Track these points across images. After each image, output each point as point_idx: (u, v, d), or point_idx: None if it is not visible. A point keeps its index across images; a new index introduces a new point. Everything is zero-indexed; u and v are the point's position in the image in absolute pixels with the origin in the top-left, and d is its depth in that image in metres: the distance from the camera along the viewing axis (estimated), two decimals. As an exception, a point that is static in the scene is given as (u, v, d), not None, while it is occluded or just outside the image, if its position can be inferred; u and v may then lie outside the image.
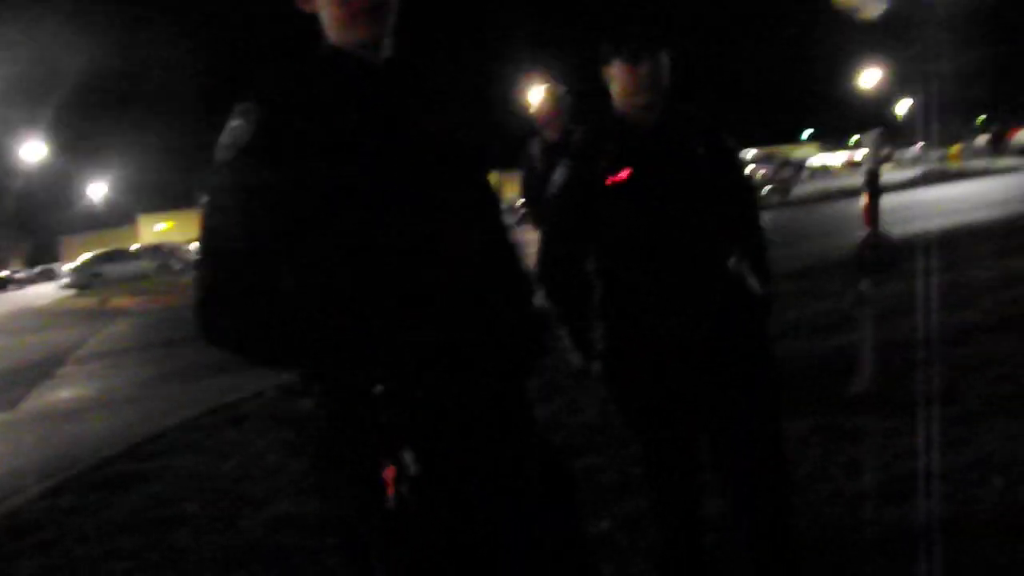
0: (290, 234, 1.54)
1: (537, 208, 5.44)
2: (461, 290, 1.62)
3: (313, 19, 1.70)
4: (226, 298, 1.52)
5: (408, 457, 1.51)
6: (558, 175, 2.66)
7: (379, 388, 1.51)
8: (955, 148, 36.78)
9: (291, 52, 1.71)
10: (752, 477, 2.55)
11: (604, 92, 2.61)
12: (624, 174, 2.50)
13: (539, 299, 1.92)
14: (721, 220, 2.58)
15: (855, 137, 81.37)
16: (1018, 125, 42.63)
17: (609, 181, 2.51)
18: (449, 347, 1.58)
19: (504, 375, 1.70)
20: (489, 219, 1.79)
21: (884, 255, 3.00)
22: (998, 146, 41.38)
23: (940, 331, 5.71)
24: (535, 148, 5.67)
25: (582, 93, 5.84)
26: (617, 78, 2.54)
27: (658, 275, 2.52)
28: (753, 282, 2.61)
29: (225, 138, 1.56)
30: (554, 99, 5.41)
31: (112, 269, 38.53)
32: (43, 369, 11.75)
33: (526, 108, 6.28)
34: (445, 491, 1.57)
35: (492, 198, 1.83)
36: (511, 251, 1.83)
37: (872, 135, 4.34)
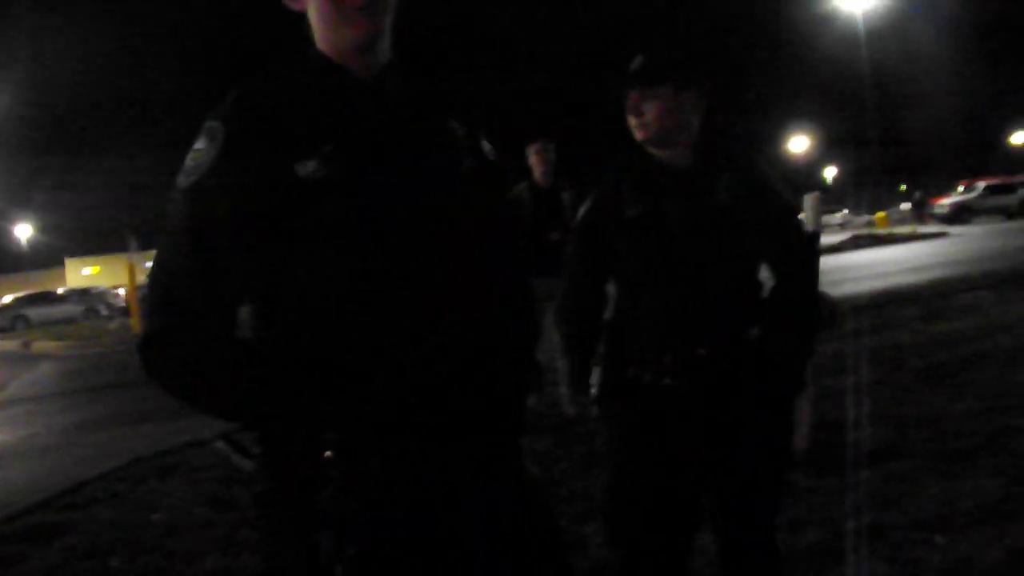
0: (250, 272, 1.39)
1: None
2: (442, 345, 1.43)
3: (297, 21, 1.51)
4: (175, 338, 1.37)
5: (348, 534, 1.35)
6: (582, 210, 2.51)
7: (328, 453, 1.36)
8: (882, 214, 37.96)
9: (270, 60, 1.53)
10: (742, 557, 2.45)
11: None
12: (641, 210, 2.35)
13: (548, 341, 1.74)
14: (747, 275, 2.43)
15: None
16: (939, 193, 44.26)
17: (625, 216, 2.35)
18: (417, 411, 1.40)
19: (479, 449, 1.49)
20: (495, 260, 1.57)
21: (824, 316, 3.00)
22: (921, 212, 42.81)
23: (875, 391, 5.83)
24: (525, 193, 6.35)
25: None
26: (627, 109, 2.38)
27: (665, 324, 2.35)
28: (781, 352, 2.39)
29: (188, 161, 1.40)
30: (544, 150, 6.39)
31: (37, 312, 37.54)
32: (-41, 414, 11.28)
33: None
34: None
35: (501, 234, 1.61)
36: (518, 299, 1.64)
37: (810, 198, 4.41)
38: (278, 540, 1.44)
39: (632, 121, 2.37)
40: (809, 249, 2.45)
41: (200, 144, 1.40)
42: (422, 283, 1.43)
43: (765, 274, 2.49)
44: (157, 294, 1.39)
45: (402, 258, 1.42)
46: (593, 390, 2.48)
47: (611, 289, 2.52)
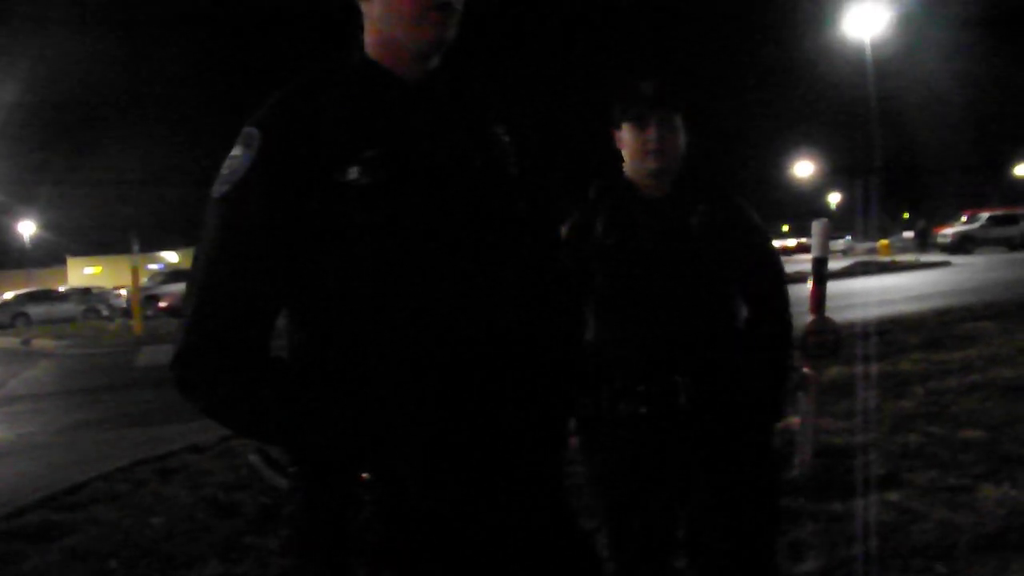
0: (287, 283, 1.35)
1: None
2: (485, 366, 1.38)
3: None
4: (211, 356, 1.32)
5: (383, 559, 1.31)
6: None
7: (366, 476, 1.32)
8: (885, 241, 38.01)
9: (316, 61, 1.48)
10: None
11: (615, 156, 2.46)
12: (615, 240, 2.37)
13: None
14: (721, 303, 2.41)
15: (786, 226, 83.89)
16: (943, 222, 44.29)
17: (600, 245, 2.37)
18: (459, 432, 1.36)
19: (522, 474, 1.44)
20: (536, 274, 1.53)
21: (828, 341, 3.02)
22: (924, 241, 42.82)
23: (877, 418, 5.83)
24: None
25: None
26: (626, 141, 2.40)
27: (639, 352, 2.35)
28: (756, 375, 2.39)
29: (224, 168, 1.36)
30: None
31: (37, 310, 37.54)
32: (-42, 409, 11.27)
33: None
34: None
35: (545, 248, 1.60)
36: (563, 315, 1.60)
37: (819, 224, 4.43)
38: (310, 563, 1.39)
39: (643, 147, 2.37)
40: (780, 279, 2.50)
41: (236, 151, 1.36)
42: (466, 292, 1.39)
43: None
44: (192, 309, 1.34)
45: (445, 266, 1.38)
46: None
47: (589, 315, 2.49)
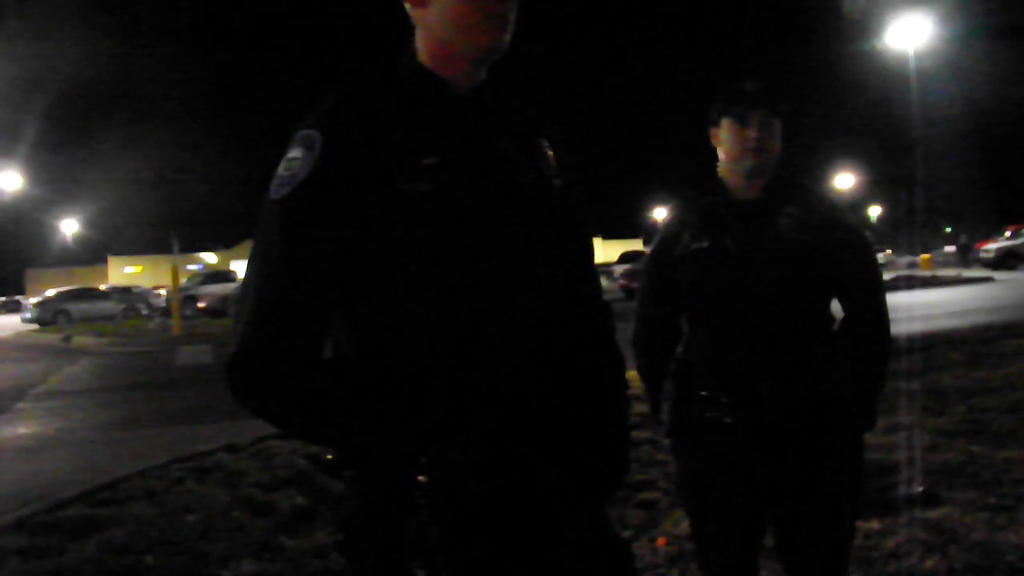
0: (346, 287, 1.34)
1: None
2: (537, 372, 1.40)
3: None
4: (265, 359, 1.30)
5: (439, 562, 1.31)
6: (652, 243, 2.55)
7: (421, 478, 1.31)
8: (926, 256, 37.49)
9: (363, 69, 1.47)
10: None
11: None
12: (702, 244, 2.36)
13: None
14: (810, 308, 2.37)
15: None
16: (985, 237, 43.65)
17: (687, 250, 2.39)
18: (513, 437, 1.36)
19: (579, 487, 1.47)
20: (577, 283, 1.57)
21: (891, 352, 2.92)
22: (966, 256, 42.24)
23: (916, 435, 5.75)
24: None
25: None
26: (723, 139, 2.39)
27: (725, 360, 2.36)
28: (841, 386, 2.36)
29: (281, 170, 1.35)
30: None
31: (78, 307, 38.02)
32: (-1, 403, 11.45)
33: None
34: None
35: (584, 261, 1.62)
36: (602, 325, 1.62)
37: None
38: (364, 565, 1.39)
39: (742, 144, 2.34)
40: (877, 283, 2.45)
41: (295, 153, 1.35)
42: (517, 299, 1.40)
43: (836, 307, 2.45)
44: (247, 311, 1.33)
45: (498, 272, 1.39)
46: (663, 425, 2.50)
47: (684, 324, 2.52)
